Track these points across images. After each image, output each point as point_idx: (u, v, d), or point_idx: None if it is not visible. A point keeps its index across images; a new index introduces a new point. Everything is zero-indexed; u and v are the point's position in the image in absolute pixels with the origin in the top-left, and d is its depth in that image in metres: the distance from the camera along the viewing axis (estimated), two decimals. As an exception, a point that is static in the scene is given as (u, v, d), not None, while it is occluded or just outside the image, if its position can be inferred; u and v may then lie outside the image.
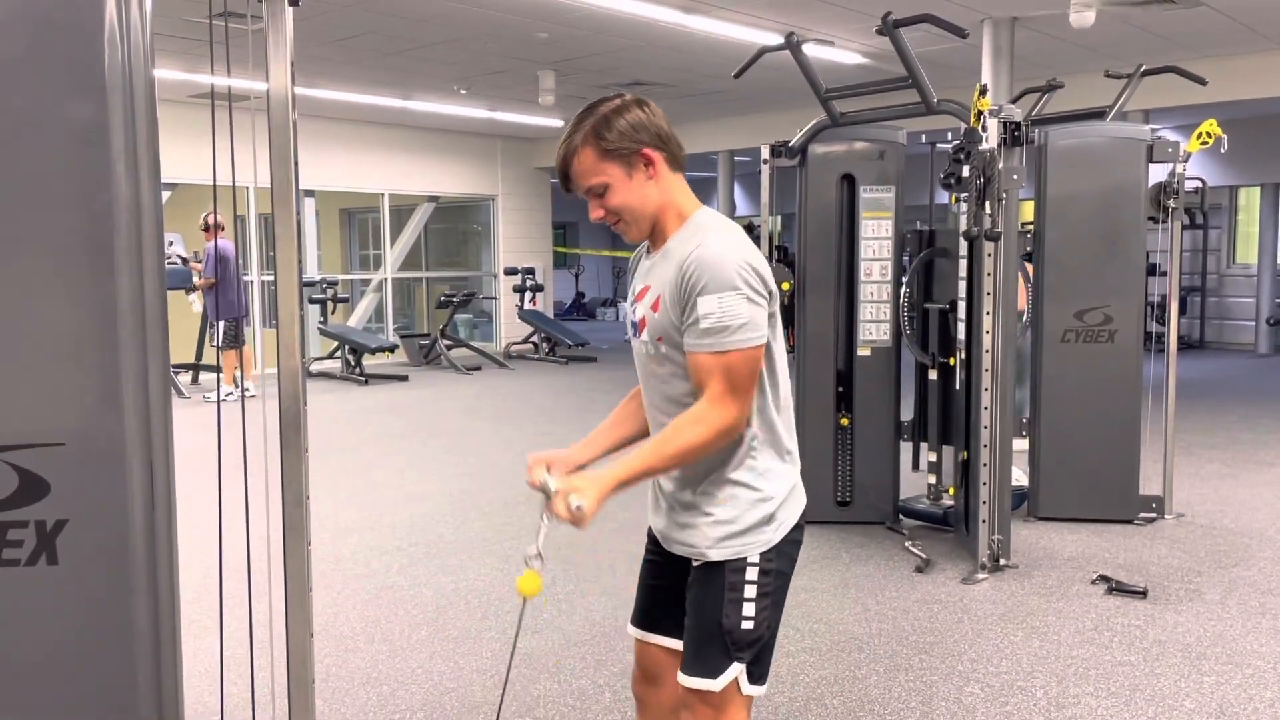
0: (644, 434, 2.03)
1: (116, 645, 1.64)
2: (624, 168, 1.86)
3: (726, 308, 1.78)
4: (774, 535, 1.90)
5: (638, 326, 1.96)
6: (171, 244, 9.96)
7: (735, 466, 1.89)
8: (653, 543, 2.09)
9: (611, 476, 1.80)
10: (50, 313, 1.57)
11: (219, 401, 2.04)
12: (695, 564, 1.94)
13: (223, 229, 9.00)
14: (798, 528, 1.95)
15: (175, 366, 9.67)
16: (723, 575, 1.89)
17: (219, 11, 2.15)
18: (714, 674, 1.88)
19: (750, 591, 1.88)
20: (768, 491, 1.90)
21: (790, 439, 1.96)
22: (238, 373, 8.95)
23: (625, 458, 1.84)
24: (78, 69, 1.55)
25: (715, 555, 1.89)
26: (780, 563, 1.92)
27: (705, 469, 1.90)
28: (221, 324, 9.03)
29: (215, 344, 8.96)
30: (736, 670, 1.89)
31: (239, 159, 2.11)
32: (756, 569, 1.89)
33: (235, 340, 9.11)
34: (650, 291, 1.92)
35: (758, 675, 1.92)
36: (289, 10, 1.90)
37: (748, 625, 1.88)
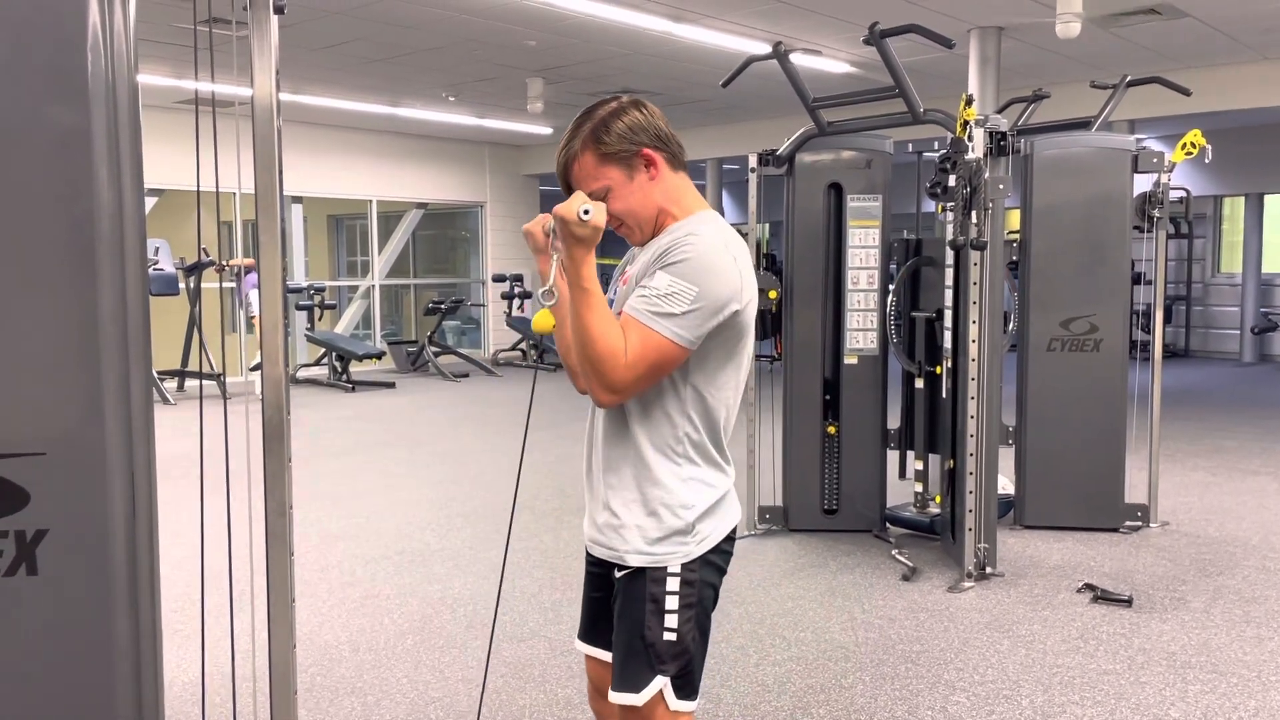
0: None
1: (96, 656, 1.62)
2: (624, 170, 1.82)
3: (673, 293, 1.72)
4: (694, 548, 1.84)
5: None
6: (157, 250, 9.92)
7: (661, 469, 1.83)
8: (590, 554, 2.05)
9: (589, 257, 1.74)
10: (30, 320, 1.56)
11: (203, 409, 2.02)
12: (618, 573, 1.89)
13: None
14: (728, 539, 1.89)
15: (161, 373, 9.66)
16: (644, 585, 1.84)
17: (204, 18, 2.14)
18: (637, 688, 1.82)
19: (672, 603, 1.83)
20: (689, 501, 1.83)
21: (723, 451, 1.89)
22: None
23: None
24: (60, 75, 1.54)
25: (633, 561, 1.84)
26: (705, 573, 1.86)
27: (631, 467, 1.84)
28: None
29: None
30: (660, 683, 1.82)
31: (225, 165, 2.10)
32: (678, 579, 1.83)
33: None
34: (627, 275, 1.91)
35: (686, 690, 1.86)
36: (274, 18, 1.90)
37: (670, 637, 1.82)
